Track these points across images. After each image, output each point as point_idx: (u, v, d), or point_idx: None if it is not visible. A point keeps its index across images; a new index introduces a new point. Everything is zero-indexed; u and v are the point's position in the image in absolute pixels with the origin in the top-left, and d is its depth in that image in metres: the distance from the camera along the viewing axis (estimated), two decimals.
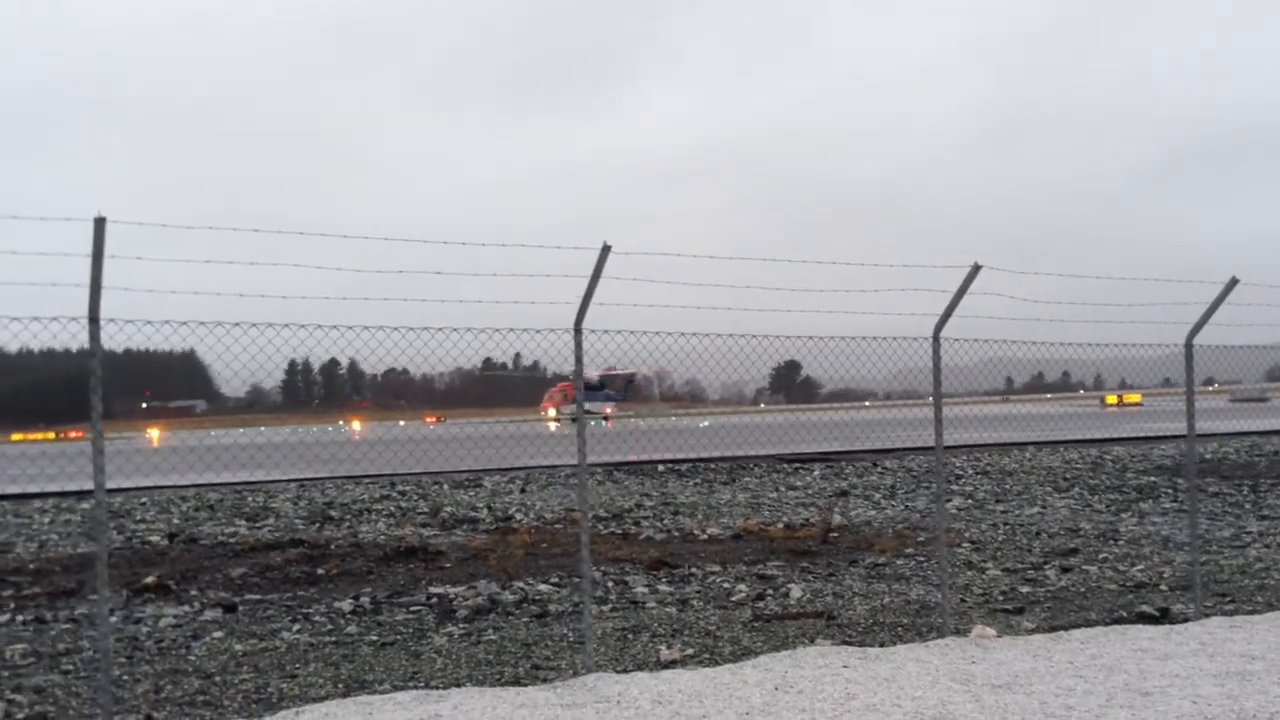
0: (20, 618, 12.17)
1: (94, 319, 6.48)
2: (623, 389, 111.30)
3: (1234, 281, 9.96)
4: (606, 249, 7.64)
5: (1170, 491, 22.42)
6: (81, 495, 27.17)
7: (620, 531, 18.42)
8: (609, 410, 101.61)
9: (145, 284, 6.72)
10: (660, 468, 32.88)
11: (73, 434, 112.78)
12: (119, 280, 6.61)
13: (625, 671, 8.61)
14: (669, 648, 9.63)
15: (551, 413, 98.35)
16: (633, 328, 8.41)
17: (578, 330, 8.11)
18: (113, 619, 12.19)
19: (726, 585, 12.99)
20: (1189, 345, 10.08)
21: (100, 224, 6.17)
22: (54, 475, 25.47)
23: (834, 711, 6.82)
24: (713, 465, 33.26)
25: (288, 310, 7.52)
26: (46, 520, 22.78)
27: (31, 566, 15.88)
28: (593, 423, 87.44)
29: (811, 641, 9.70)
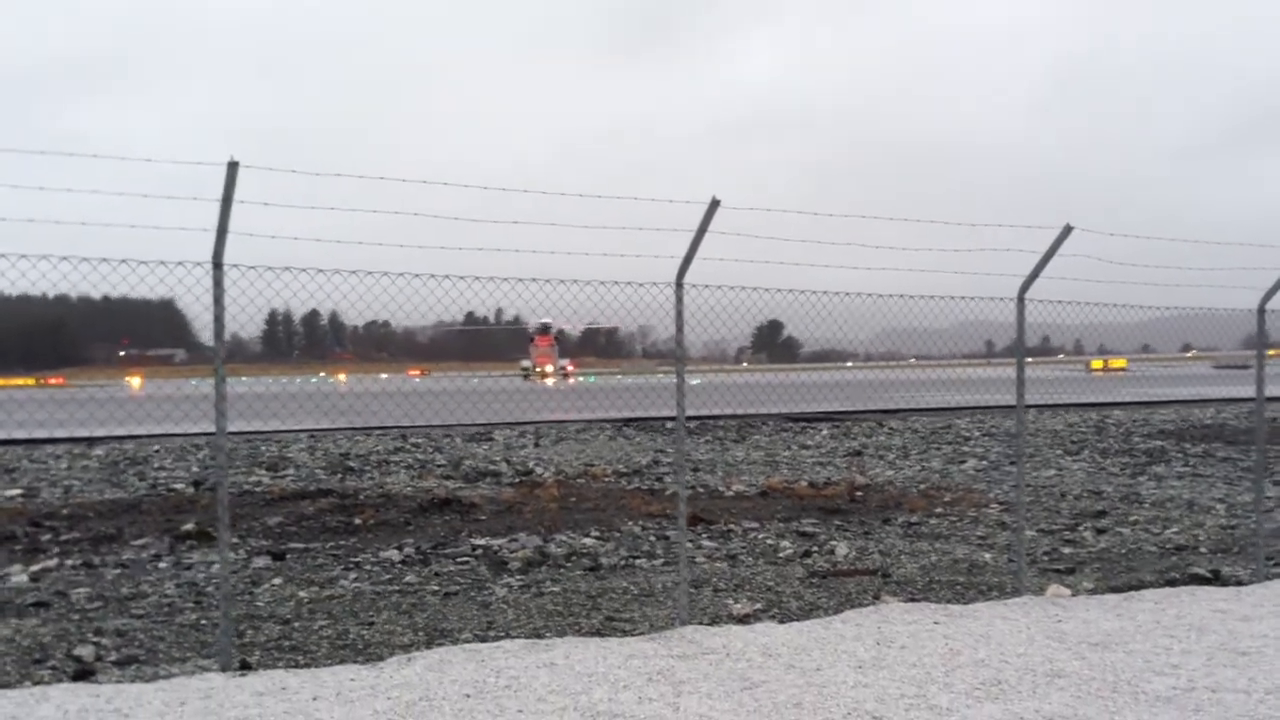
0: (69, 562, 12.15)
1: (218, 264, 6.39)
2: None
3: None
4: (715, 203, 7.58)
5: (1180, 455, 22.69)
6: (91, 441, 27.08)
7: (646, 487, 18.51)
8: (570, 367, 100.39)
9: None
10: (668, 424, 32.96)
11: (53, 380, 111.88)
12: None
13: (704, 625, 8.68)
14: (737, 602, 9.72)
15: (549, 368, 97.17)
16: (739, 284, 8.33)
17: (679, 285, 8.07)
18: (161, 564, 12.21)
19: (770, 542, 13.10)
20: (1261, 310, 10.18)
21: (233, 168, 6.06)
22: (63, 421, 25.29)
23: (944, 666, 6.92)
24: (721, 423, 33.40)
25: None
26: (64, 466, 22.65)
27: (64, 512, 15.81)
28: (550, 383, 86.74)
29: (876, 598, 9.81)
